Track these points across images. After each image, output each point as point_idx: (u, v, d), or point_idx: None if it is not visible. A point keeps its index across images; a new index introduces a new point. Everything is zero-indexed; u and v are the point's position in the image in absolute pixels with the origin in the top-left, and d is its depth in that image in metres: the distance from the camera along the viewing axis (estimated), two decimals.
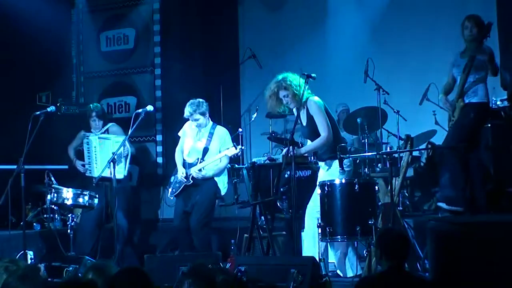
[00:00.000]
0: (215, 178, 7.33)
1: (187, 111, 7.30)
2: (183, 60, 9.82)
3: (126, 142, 7.55)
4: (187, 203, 7.32)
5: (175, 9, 9.82)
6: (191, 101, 7.35)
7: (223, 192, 7.43)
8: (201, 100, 7.36)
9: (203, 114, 7.31)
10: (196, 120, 7.31)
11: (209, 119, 7.45)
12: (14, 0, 9.08)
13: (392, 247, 4.22)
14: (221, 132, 7.40)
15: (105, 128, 8.16)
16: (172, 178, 7.54)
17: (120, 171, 7.57)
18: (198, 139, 7.40)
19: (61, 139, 8.60)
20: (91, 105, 8.28)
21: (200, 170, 7.24)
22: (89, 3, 9.91)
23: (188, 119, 7.43)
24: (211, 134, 7.35)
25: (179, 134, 7.62)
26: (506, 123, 7.07)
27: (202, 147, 7.33)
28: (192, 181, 7.29)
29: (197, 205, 7.24)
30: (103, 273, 4.18)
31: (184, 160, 7.44)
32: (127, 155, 7.74)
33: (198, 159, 7.31)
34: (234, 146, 7.14)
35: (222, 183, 7.39)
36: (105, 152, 7.90)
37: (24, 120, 7.18)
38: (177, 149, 7.58)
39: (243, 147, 7.23)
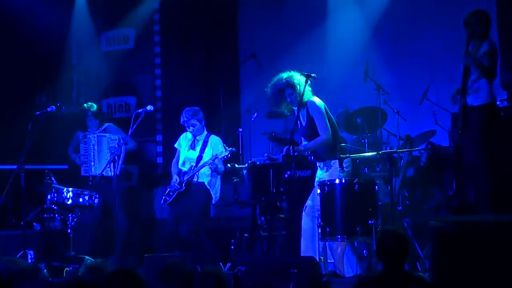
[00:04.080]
0: (207, 185, 7.32)
1: (183, 117, 7.30)
2: (183, 60, 9.82)
3: (128, 139, 7.57)
4: (179, 210, 7.31)
5: (175, 9, 9.82)
6: (187, 108, 7.37)
7: (215, 200, 7.42)
8: (197, 108, 7.39)
9: (199, 121, 7.32)
10: (193, 126, 7.31)
11: (205, 128, 7.44)
12: (14, 0, 9.09)
13: (390, 247, 4.21)
14: (215, 140, 7.41)
15: (102, 127, 8.18)
16: (168, 189, 7.56)
17: (112, 170, 7.57)
18: (192, 148, 7.42)
19: (61, 139, 8.60)
20: (85, 104, 8.29)
21: (195, 174, 7.25)
22: (89, 3, 9.91)
23: (183, 128, 7.45)
24: (205, 143, 7.37)
25: (176, 146, 7.64)
26: (506, 123, 7.06)
27: (196, 155, 7.35)
28: (185, 188, 7.28)
29: (188, 212, 7.24)
30: (100, 274, 4.18)
31: (179, 169, 7.46)
32: (120, 154, 7.74)
33: (192, 166, 7.32)
34: (225, 147, 7.16)
35: (215, 189, 7.37)
36: (102, 149, 7.93)
37: (24, 120, 7.19)
38: (173, 161, 7.61)
39: (233, 149, 7.20)
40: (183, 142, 7.54)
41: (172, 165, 7.61)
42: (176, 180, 7.36)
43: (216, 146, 7.34)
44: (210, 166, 7.17)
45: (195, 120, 7.31)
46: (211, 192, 7.32)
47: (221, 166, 7.32)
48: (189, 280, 4.11)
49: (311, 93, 6.44)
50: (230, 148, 7.16)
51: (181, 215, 7.27)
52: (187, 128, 7.40)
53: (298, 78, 6.39)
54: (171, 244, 7.47)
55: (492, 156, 6.35)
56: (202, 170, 7.29)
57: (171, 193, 7.41)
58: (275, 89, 6.49)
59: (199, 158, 7.33)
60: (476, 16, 6.39)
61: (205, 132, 7.47)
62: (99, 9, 9.96)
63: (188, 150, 7.44)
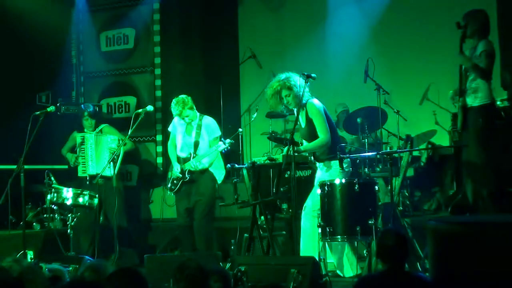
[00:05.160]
0: (210, 169, 7.34)
1: (175, 110, 7.28)
2: (183, 60, 9.82)
3: (126, 141, 7.58)
4: (189, 200, 7.34)
5: (175, 9, 9.82)
6: (175, 100, 7.32)
7: (220, 180, 7.43)
8: (184, 96, 7.33)
9: (191, 109, 7.30)
10: (186, 116, 7.30)
11: (196, 111, 7.42)
12: (14, 0, 9.09)
13: (391, 247, 4.21)
14: (208, 122, 7.41)
15: (99, 128, 8.19)
16: (169, 174, 7.54)
17: (110, 170, 7.56)
18: (188, 134, 7.40)
19: (61, 139, 8.61)
20: (82, 105, 8.31)
21: (196, 164, 7.25)
22: (89, 3, 9.91)
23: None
24: (199, 127, 7.36)
25: (169, 129, 7.62)
26: (506, 123, 7.06)
27: (193, 141, 7.34)
28: (188, 177, 7.29)
29: (199, 202, 7.27)
30: (100, 273, 4.17)
31: (177, 155, 7.45)
32: (119, 155, 7.74)
33: (190, 153, 7.32)
34: (222, 141, 7.13)
35: (218, 171, 7.38)
36: (101, 149, 7.93)
37: (24, 120, 7.19)
38: (169, 144, 7.60)
39: (232, 141, 7.19)
40: (178, 126, 7.49)
41: (169, 149, 7.59)
42: (178, 168, 7.36)
43: (210, 129, 7.34)
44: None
45: (187, 111, 7.27)
46: (215, 175, 7.34)
47: (212, 157, 7.31)
48: (202, 279, 4.10)
49: (309, 94, 6.43)
50: (229, 140, 7.12)
51: (191, 205, 7.30)
52: (183, 120, 7.36)
53: (296, 79, 6.38)
54: (177, 239, 7.49)
55: (491, 156, 6.35)
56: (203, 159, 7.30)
57: (175, 181, 7.41)
58: (272, 90, 6.48)
59: (197, 143, 7.33)
60: (468, 16, 6.39)
61: (198, 115, 7.43)
62: (99, 9, 9.97)
63: (185, 136, 7.42)
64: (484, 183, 6.35)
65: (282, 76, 6.46)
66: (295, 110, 6.42)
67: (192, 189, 7.34)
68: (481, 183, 6.36)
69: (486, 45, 6.28)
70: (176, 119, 7.48)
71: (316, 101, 6.42)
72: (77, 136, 8.15)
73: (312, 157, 6.53)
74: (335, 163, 6.26)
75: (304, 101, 6.37)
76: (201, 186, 7.31)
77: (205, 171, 7.32)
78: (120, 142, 7.79)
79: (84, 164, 8.03)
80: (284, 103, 6.48)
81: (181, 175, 7.31)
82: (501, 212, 6.39)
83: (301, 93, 6.31)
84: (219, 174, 7.42)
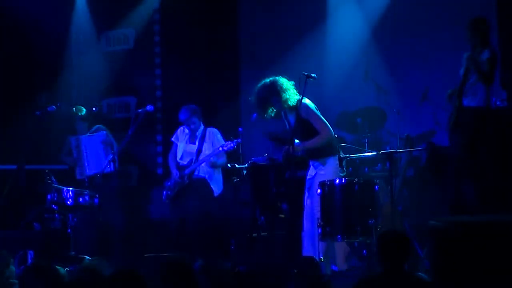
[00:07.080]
0: (208, 180, 7.34)
1: (183, 115, 7.35)
2: (183, 60, 9.82)
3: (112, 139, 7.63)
4: (182, 208, 7.33)
5: (175, 9, 9.82)
6: (185, 106, 7.45)
7: (217, 193, 7.43)
8: (195, 106, 7.50)
9: (198, 118, 7.40)
10: (193, 123, 7.38)
11: (201, 123, 7.51)
12: (14, 0, 9.10)
13: (392, 248, 4.21)
14: (212, 132, 7.49)
15: (93, 129, 8.20)
16: (168, 183, 7.55)
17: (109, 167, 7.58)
18: (190, 142, 7.45)
19: (61, 140, 8.61)
20: (74, 108, 8.30)
21: (196, 168, 7.27)
22: (89, 3, 9.91)
23: (180, 125, 7.49)
24: (203, 136, 7.41)
25: (172, 139, 7.66)
26: (499, 125, 7.06)
27: (195, 149, 7.38)
28: (187, 181, 7.30)
29: (191, 210, 7.25)
30: (96, 273, 4.17)
31: (177, 163, 7.47)
32: (113, 145, 7.78)
33: (192, 159, 7.34)
34: (230, 139, 7.17)
35: (217, 183, 7.39)
36: (94, 148, 7.94)
37: (24, 120, 7.20)
38: (170, 154, 7.64)
39: (239, 140, 7.21)
40: (180, 135, 7.58)
41: (170, 158, 7.64)
42: (177, 174, 7.37)
43: (215, 138, 7.40)
44: (207, 162, 7.23)
45: (195, 118, 7.40)
46: (211, 186, 7.35)
47: (221, 160, 7.36)
48: (189, 277, 4.11)
49: (298, 94, 6.35)
50: (236, 139, 7.16)
51: (185, 213, 7.29)
52: (188, 126, 7.43)
53: (282, 82, 6.28)
54: (175, 243, 7.49)
55: (483, 157, 6.38)
56: (202, 164, 7.33)
57: (171, 186, 7.42)
58: (259, 99, 6.37)
59: (198, 151, 7.36)
60: (471, 27, 6.45)
61: (202, 126, 7.51)
62: (99, 9, 9.96)
63: (187, 144, 7.47)
64: (476, 183, 6.38)
65: (268, 81, 6.35)
66: (283, 113, 6.35)
67: (187, 198, 7.34)
68: (473, 183, 6.38)
69: (490, 53, 6.36)
70: (179, 130, 7.54)
71: (308, 101, 6.37)
72: (72, 140, 8.16)
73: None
74: (330, 160, 6.24)
75: (294, 103, 6.28)
76: (196, 197, 7.30)
77: (203, 181, 7.32)
78: (109, 136, 7.84)
79: (81, 167, 8.03)
80: (275, 109, 6.38)
81: (179, 180, 7.32)
82: (499, 212, 6.40)
83: (289, 96, 6.24)
84: (217, 188, 7.42)
